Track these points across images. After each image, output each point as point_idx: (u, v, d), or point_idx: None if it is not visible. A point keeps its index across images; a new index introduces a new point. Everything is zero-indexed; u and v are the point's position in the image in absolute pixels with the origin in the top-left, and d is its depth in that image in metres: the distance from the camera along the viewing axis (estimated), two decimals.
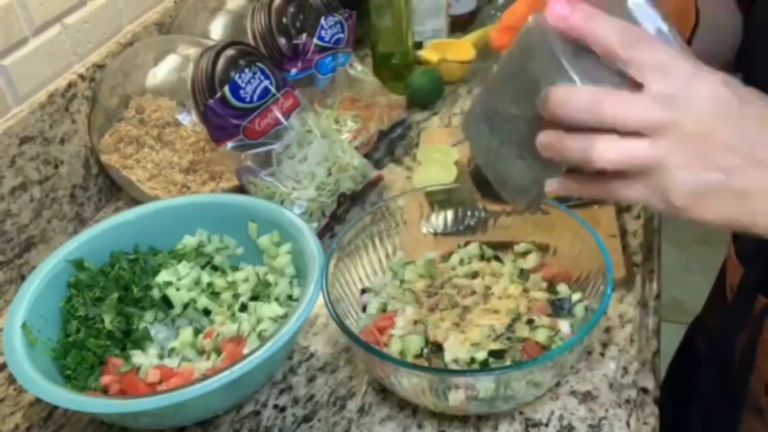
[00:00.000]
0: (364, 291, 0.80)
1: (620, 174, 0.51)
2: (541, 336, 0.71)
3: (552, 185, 0.55)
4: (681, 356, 1.03)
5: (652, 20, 0.54)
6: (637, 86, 0.49)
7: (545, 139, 0.52)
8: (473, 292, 0.77)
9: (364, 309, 0.79)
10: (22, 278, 0.91)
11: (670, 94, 0.49)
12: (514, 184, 0.60)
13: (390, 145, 1.13)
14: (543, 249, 0.81)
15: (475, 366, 0.69)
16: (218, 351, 0.76)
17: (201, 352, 0.77)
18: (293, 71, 1.04)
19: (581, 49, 0.51)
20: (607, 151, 0.49)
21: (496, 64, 0.59)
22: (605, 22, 0.50)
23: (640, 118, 0.49)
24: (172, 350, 0.77)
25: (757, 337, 0.79)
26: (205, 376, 0.66)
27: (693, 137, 0.49)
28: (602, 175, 0.52)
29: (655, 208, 0.52)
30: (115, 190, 1.08)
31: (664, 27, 0.54)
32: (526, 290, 0.77)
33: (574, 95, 0.50)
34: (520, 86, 0.55)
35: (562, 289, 0.76)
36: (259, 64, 0.93)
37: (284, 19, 1.08)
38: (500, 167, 0.61)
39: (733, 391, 0.83)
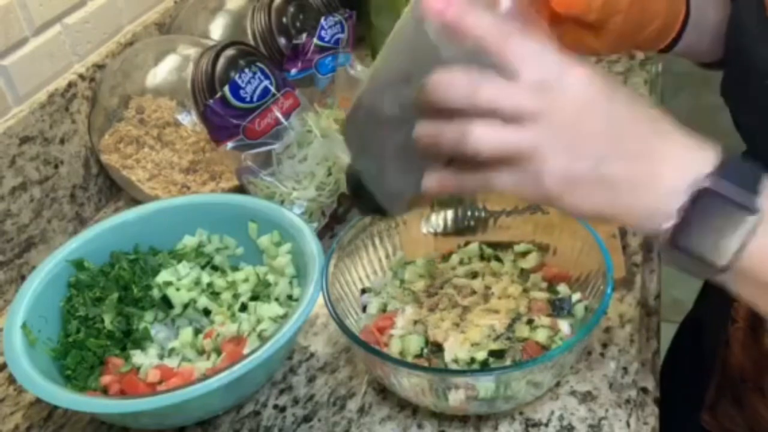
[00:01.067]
0: (364, 291, 0.80)
1: (496, 164, 0.51)
2: (541, 336, 0.71)
3: (430, 180, 0.54)
4: (671, 353, 1.04)
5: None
6: (510, 77, 0.50)
7: (422, 129, 0.52)
8: (473, 292, 0.77)
9: (364, 309, 0.79)
10: (22, 278, 0.91)
11: (542, 83, 0.50)
12: (391, 187, 0.59)
13: None
14: (543, 249, 0.81)
15: (475, 366, 0.69)
16: (218, 351, 0.76)
17: (201, 352, 0.77)
18: (293, 71, 1.04)
19: (456, 41, 0.51)
20: (482, 136, 0.50)
21: (372, 63, 0.58)
22: (479, 16, 0.50)
23: (514, 104, 0.49)
24: (172, 350, 0.77)
25: (731, 326, 0.80)
26: (205, 376, 0.66)
27: (563, 126, 0.50)
28: (478, 167, 0.52)
29: (531, 197, 0.52)
30: (115, 190, 1.08)
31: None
32: (526, 290, 0.77)
33: (454, 79, 0.50)
34: (397, 78, 0.55)
35: (562, 289, 0.76)
36: (259, 64, 0.93)
37: (284, 19, 1.08)
38: (376, 171, 0.59)
39: (711, 379, 0.83)
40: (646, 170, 0.50)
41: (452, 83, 0.50)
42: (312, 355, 0.80)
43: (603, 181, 0.50)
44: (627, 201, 0.51)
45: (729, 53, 0.73)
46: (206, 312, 0.80)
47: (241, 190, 0.95)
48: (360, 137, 0.61)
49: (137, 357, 0.76)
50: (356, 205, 0.67)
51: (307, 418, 0.73)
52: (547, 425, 0.69)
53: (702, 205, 0.49)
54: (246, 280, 0.82)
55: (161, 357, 0.77)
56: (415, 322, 0.74)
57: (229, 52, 0.94)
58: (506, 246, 0.83)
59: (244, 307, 0.79)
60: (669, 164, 0.50)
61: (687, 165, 0.50)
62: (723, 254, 0.50)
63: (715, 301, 0.85)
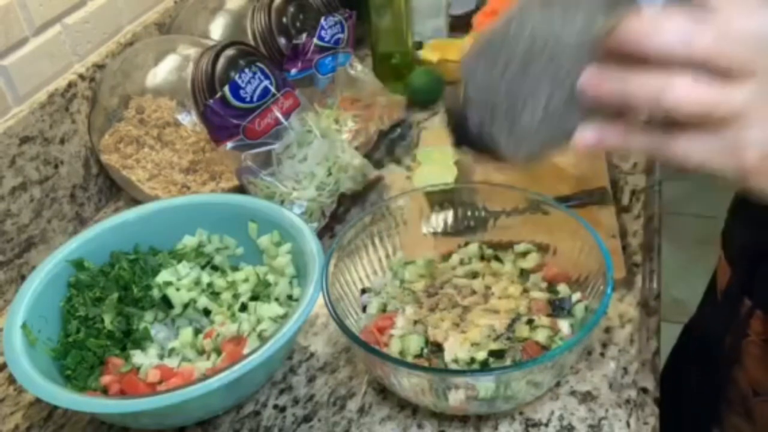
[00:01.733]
0: (364, 291, 0.80)
1: (685, 126, 0.42)
2: (541, 336, 0.71)
3: (589, 134, 0.46)
4: (673, 356, 1.03)
5: None
6: (723, 24, 0.41)
7: (598, 78, 0.43)
8: (473, 292, 0.77)
9: (364, 309, 0.79)
10: (22, 278, 0.91)
11: (758, 33, 0.41)
12: (527, 134, 0.49)
13: (390, 145, 1.13)
14: (543, 249, 0.81)
15: (475, 366, 0.69)
16: (218, 351, 0.76)
17: (201, 352, 0.77)
18: (293, 71, 1.04)
19: None
20: (690, 95, 0.41)
21: None
22: None
23: (730, 57, 0.41)
24: (172, 350, 0.77)
25: (743, 340, 0.79)
26: (205, 376, 0.66)
27: None
28: (659, 126, 0.43)
29: (722, 169, 0.43)
30: (115, 190, 1.08)
31: None
32: (526, 290, 0.77)
33: (668, 25, 0.41)
34: (565, 11, 0.45)
35: (562, 289, 0.76)
36: (259, 64, 0.93)
37: (284, 19, 1.08)
38: (509, 112, 0.49)
39: (719, 391, 0.83)
40: None
41: (662, 30, 0.41)
42: (312, 355, 0.80)
43: None
44: None
45: None
46: (206, 312, 0.80)
47: (241, 190, 0.95)
48: (492, 71, 0.49)
49: (137, 357, 0.76)
50: (458, 141, 0.55)
51: (307, 418, 0.73)
52: (547, 425, 0.69)
53: None
54: (246, 280, 0.82)
55: (161, 357, 0.77)
56: (415, 322, 0.74)
57: (229, 52, 0.94)
58: (506, 246, 0.83)
59: (244, 307, 0.79)
60: None
61: None
62: None
63: (723, 312, 0.84)
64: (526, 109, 0.48)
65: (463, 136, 0.53)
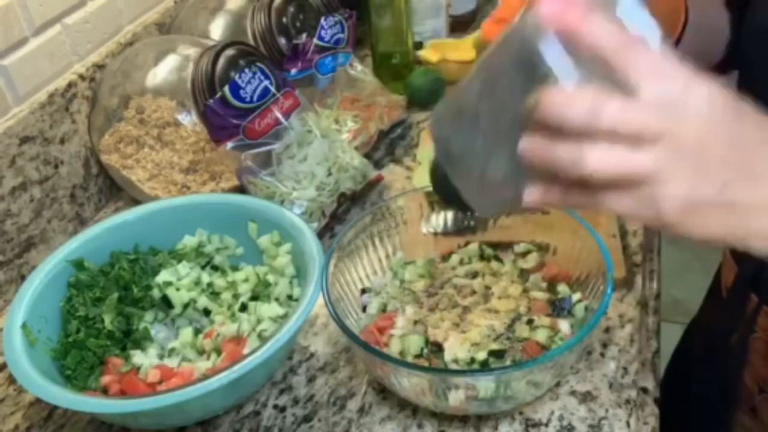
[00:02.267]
0: (364, 291, 0.80)
1: (606, 184, 0.48)
2: (541, 336, 0.71)
3: (533, 194, 0.51)
4: (678, 355, 1.03)
5: (641, 21, 0.51)
6: (629, 93, 0.46)
7: (530, 145, 0.49)
8: (473, 292, 0.77)
9: (364, 309, 0.79)
10: (22, 278, 0.91)
11: (668, 101, 0.46)
12: (486, 192, 0.57)
13: (390, 145, 1.13)
14: (543, 249, 0.81)
15: (475, 366, 0.69)
16: (218, 351, 0.76)
17: (201, 352, 0.77)
18: (293, 71, 1.04)
19: (572, 50, 0.48)
20: (601, 160, 0.46)
21: (476, 61, 0.55)
22: (599, 23, 0.46)
23: (636, 126, 0.46)
24: (172, 350, 0.77)
25: (750, 336, 0.79)
26: (205, 376, 0.66)
27: (689, 147, 0.46)
28: (588, 186, 0.49)
29: (644, 221, 0.49)
30: (115, 190, 1.08)
31: (655, 29, 0.51)
32: (526, 290, 0.77)
33: (577, 99, 0.46)
34: (504, 85, 0.51)
35: (562, 289, 0.76)
36: (259, 64, 0.93)
37: (284, 19, 1.08)
38: (470, 174, 0.56)
39: (726, 389, 0.83)
40: None
41: (572, 103, 0.46)
42: (312, 355, 0.80)
43: (728, 205, 0.47)
44: (756, 225, 0.48)
45: (750, 53, 0.73)
46: (206, 312, 0.80)
47: (241, 190, 0.95)
48: (454, 136, 0.57)
49: (137, 357, 0.76)
50: (441, 198, 0.65)
51: (307, 418, 0.73)
52: (547, 425, 0.69)
53: None
54: (246, 280, 0.82)
55: (161, 357, 0.77)
56: (415, 322, 0.74)
57: (229, 52, 0.94)
58: (506, 246, 0.83)
59: (244, 307, 0.79)
60: None
61: None
62: None
63: (729, 310, 0.84)
64: (483, 172, 0.54)
65: (440, 187, 0.61)
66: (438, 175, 0.61)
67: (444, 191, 0.61)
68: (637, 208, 0.48)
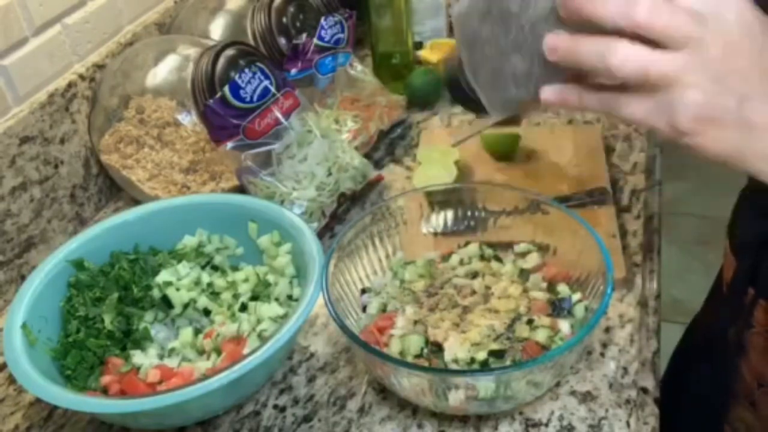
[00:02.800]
0: (364, 291, 0.80)
1: (626, 87, 0.49)
2: (541, 336, 0.71)
3: (550, 92, 0.52)
4: (678, 354, 1.03)
5: None
6: None
7: (556, 41, 0.50)
8: (473, 292, 0.77)
9: (364, 309, 0.79)
10: (22, 278, 0.91)
11: (699, 10, 0.47)
12: (503, 89, 0.57)
13: (390, 145, 1.13)
14: (543, 249, 0.81)
15: (475, 366, 0.69)
16: (218, 351, 0.76)
17: (201, 352, 0.77)
18: (293, 71, 1.04)
19: None
20: (628, 57, 0.47)
21: None
22: None
23: (667, 26, 0.46)
24: (172, 350, 0.77)
25: (748, 331, 0.79)
26: (205, 376, 0.66)
27: (714, 57, 0.47)
28: (608, 87, 0.50)
29: (658, 129, 0.49)
30: (115, 190, 1.08)
31: None
32: (526, 290, 0.77)
33: None
34: None
35: (562, 289, 0.76)
36: (259, 64, 0.93)
37: (284, 19, 1.08)
38: (489, 68, 0.56)
39: (725, 384, 0.83)
40: None
41: (604, 1, 0.47)
42: (312, 355, 0.80)
43: (741, 121, 0.48)
44: (761, 146, 0.48)
45: None
46: (206, 312, 0.80)
47: (241, 190, 0.95)
48: (477, 30, 0.57)
49: (137, 357, 0.76)
50: (451, 95, 0.65)
51: (307, 418, 0.73)
52: (547, 425, 0.69)
53: None
54: (246, 280, 0.82)
55: (161, 357, 0.77)
56: (415, 322, 0.74)
57: (229, 52, 0.94)
58: (506, 246, 0.83)
59: (244, 307, 0.79)
60: None
61: None
62: None
63: (728, 305, 0.84)
64: (503, 67, 0.55)
65: (456, 89, 0.62)
66: (453, 70, 0.61)
67: (456, 88, 0.61)
68: (654, 114, 0.48)
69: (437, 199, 0.85)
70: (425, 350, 0.72)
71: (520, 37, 0.53)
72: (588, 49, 0.48)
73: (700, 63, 0.47)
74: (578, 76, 0.52)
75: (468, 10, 0.57)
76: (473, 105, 0.61)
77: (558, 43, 0.50)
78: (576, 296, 0.75)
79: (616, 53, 0.47)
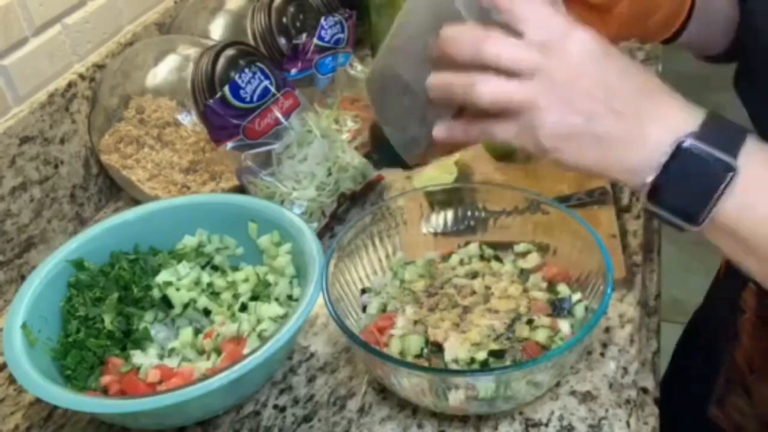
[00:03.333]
0: (364, 291, 0.80)
1: (499, 116, 0.56)
2: (541, 336, 0.71)
3: (440, 130, 0.60)
4: (679, 350, 1.04)
5: None
6: (516, 35, 0.54)
7: (434, 79, 0.57)
8: (473, 292, 0.77)
9: (364, 309, 0.79)
10: (22, 278, 0.91)
11: (545, 42, 0.54)
12: (406, 134, 0.64)
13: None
14: (543, 249, 0.81)
15: (475, 366, 0.69)
16: (218, 351, 0.76)
17: (201, 352, 0.77)
18: (293, 71, 1.04)
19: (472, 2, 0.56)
20: (484, 87, 0.54)
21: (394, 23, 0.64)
22: None
23: (515, 59, 0.54)
24: (172, 350, 0.77)
25: (741, 316, 0.80)
26: (205, 376, 0.66)
27: (560, 83, 0.53)
28: (483, 118, 0.57)
29: (528, 149, 0.56)
30: (115, 190, 1.08)
31: None
32: (526, 290, 0.77)
33: (462, 34, 0.55)
34: (414, 33, 0.60)
35: (562, 289, 0.76)
36: (259, 64, 0.93)
37: (284, 19, 1.08)
38: (394, 120, 0.65)
39: (720, 371, 0.84)
40: (635, 127, 0.54)
41: (460, 38, 0.55)
42: (312, 355, 0.80)
43: (594, 136, 0.54)
44: (615, 156, 0.54)
45: (749, 45, 0.73)
46: (206, 312, 0.80)
47: (241, 190, 0.95)
48: (381, 90, 0.65)
49: (137, 357, 0.76)
50: (377, 157, 0.72)
51: (307, 418, 0.73)
52: (547, 425, 0.69)
53: (681, 161, 0.53)
54: (246, 280, 0.82)
55: (161, 357, 0.77)
56: (415, 322, 0.74)
57: (229, 52, 0.94)
58: (506, 246, 0.83)
59: (244, 307, 0.79)
60: (656, 123, 0.54)
61: (672, 124, 0.53)
62: (699, 209, 0.53)
63: (723, 294, 0.85)
64: (402, 119, 0.64)
65: (380, 148, 0.68)
66: (375, 130, 0.69)
67: (381, 147, 0.68)
68: (521, 136, 0.56)
69: (437, 199, 0.85)
70: (425, 350, 0.72)
71: (411, 87, 0.61)
72: (457, 84, 0.56)
73: (550, 88, 0.54)
74: (461, 109, 0.59)
75: (370, 75, 0.67)
76: (397, 160, 0.67)
77: (434, 80, 0.58)
78: (576, 296, 0.75)
79: (477, 86, 0.55)
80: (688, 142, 0.52)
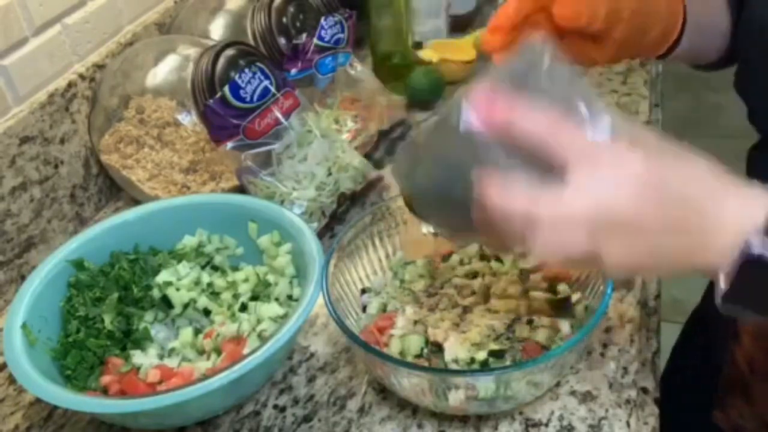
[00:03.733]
0: (364, 291, 0.80)
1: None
2: (541, 336, 0.71)
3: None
4: (678, 349, 1.04)
5: (568, 86, 0.55)
6: (562, 174, 0.51)
7: (481, 222, 0.55)
8: (473, 292, 0.77)
9: (364, 309, 0.79)
10: (22, 278, 0.91)
11: (595, 180, 0.51)
12: (446, 228, 0.66)
13: (390, 145, 1.13)
14: None
15: (475, 366, 0.69)
16: (218, 351, 0.76)
17: (201, 352, 0.77)
18: (293, 71, 1.04)
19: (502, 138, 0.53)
20: (545, 249, 0.52)
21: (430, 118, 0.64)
22: (527, 116, 0.52)
23: (569, 216, 0.51)
24: (172, 350, 0.77)
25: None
26: (205, 376, 0.66)
27: (617, 225, 0.51)
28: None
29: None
30: (115, 190, 1.08)
31: (584, 90, 0.55)
32: (526, 290, 0.77)
33: (511, 199, 0.52)
34: (452, 158, 0.57)
35: (562, 289, 0.76)
36: (259, 64, 0.93)
37: (284, 19, 1.08)
38: (430, 210, 0.65)
39: (720, 371, 0.83)
40: (698, 242, 0.52)
41: (508, 203, 0.52)
42: (312, 355, 0.80)
43: (659, 257, 0.53)
44: (682, 265, 0.54)
45: (751, 48, 0.73)
46: (206, 312, 0.80)
47: (241, 190, 0.95)
48: (412, 180, 0.64)
49: (137, 357, 0.76)
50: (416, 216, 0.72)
51: (307, 418, 0.73)
52: (547, 425, 0.69)
53: (748, 269, 0.50)
54: (246, 280, 0.82)
55: (161, 357, 0.77)
56: (415, 322, 0.74)
57: (229, 52, 0.94)
58: None
59: (244, 307, 0.79)
60: (719, 233, 0.51)
61: (737, 230, 0.51)
62: None
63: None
64: (438, 211, 0.64)
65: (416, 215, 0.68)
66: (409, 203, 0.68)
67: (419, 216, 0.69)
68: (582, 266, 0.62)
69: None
70: (425, 350, 0.72)
71: (450, 193, 0.59)
72: (513, 243, 0.56)
73: (608, 232, 0.51)
74: None
75: (402, 167, 0.66)
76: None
77: (482, 222, 0.55)
78: (576, 296, 0.75)
79: (536, 247, 0.53)
80: (754, 250, 0.50)
